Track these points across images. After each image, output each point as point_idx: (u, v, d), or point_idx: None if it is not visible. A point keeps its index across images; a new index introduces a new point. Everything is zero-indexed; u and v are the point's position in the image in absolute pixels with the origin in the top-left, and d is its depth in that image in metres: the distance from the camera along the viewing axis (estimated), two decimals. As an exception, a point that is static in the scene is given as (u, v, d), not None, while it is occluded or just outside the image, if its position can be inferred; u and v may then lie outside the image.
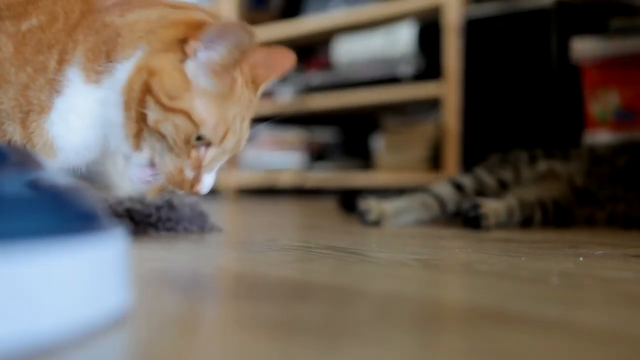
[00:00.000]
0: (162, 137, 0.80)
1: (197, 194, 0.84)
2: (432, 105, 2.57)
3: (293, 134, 3.03)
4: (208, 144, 0.82)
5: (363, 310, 0.49)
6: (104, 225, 0.48)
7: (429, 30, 2.52)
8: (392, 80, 2.56)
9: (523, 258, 0.79)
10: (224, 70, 0.80)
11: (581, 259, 0.78)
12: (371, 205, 1.27)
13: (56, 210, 0.45)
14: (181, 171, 0.82)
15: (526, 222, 1.27)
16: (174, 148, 0.80)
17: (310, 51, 3.17)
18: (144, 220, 1.03)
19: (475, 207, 1.20)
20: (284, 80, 2.99)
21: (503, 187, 1.35)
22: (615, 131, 1.90)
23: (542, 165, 1.37)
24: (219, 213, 1.79)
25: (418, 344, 0.40)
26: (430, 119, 2.60)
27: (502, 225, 1.23)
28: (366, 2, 2.74)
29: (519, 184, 1.35)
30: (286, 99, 2.89)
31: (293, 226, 1.38)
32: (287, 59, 0.92)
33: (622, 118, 1.91)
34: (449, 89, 2.38)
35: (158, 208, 1.05)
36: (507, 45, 2.15)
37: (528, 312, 0.49)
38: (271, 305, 0.51)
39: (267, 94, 3.01)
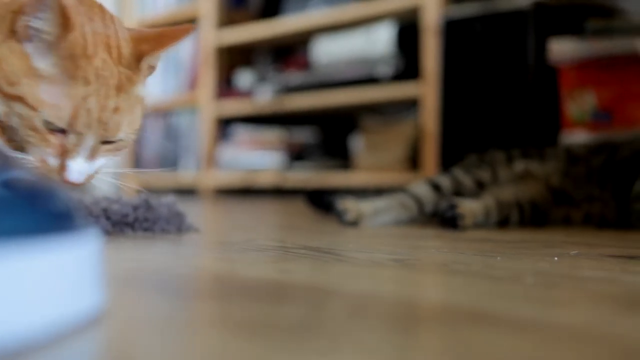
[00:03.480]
0: (15, 128, 0.77)
1: (70, 183, 0.80)
2: (411, 105, 2.58)
3: (272, 134, 3.03)
4: (64, 130, 0.78)
5: (338, 310, 0.49)
6: (78, 225, 0.47)
7: (408, 31, 2.53)
8: (371, 80, 2.56)
9: (499, 258, 0.79)
10: (58, 41, 0.77)
11: (556, 258, 0.78)
12: (349, 205, 1.27)
13: (29, 210, 0.44)
14: (44, 160, 0.79)
15: (503, 222, 1.27)
16: (29, 138, 0.78)
17: (290, 51, 3.17)
18: (120, 220, 1.03)
19: (452, 207, 1.21)
20: (263, 79, 2.99)
21: (480, 187, 1.36)
22: (591, 131, 1.92)
23: (519, 166, 1.38)
24: (197, 213, 1.79)
25: (393, 344, 0.40)
26: (409, 119, 2.61)
27: (479, 225, 1.23)
28: (345, 3, 2.74)
29: (496, 184, 1.36)
30: (265, 99, 2.89)
31: (271, 226, 1.38)
32: (181, 31, 0.87)
33: (599, 119, 1.93)
34: (427, 90, 2.38)
35: (135, 208, 1.05)
36: (485, 46, 2.16)
37: (502, 311, 0.49)
38: (247, 305, 0.51)
39: (246, 94, 3.01)
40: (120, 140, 0.83)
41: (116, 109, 0.81)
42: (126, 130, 0.83)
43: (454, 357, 0.37)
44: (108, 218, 1.02)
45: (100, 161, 0.84)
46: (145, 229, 1.05)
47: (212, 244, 1.01)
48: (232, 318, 0.47)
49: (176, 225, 1.09)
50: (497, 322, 0.45)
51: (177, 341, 0.40)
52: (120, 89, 0.81)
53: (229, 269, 0.72)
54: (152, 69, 0.88)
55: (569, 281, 0.63)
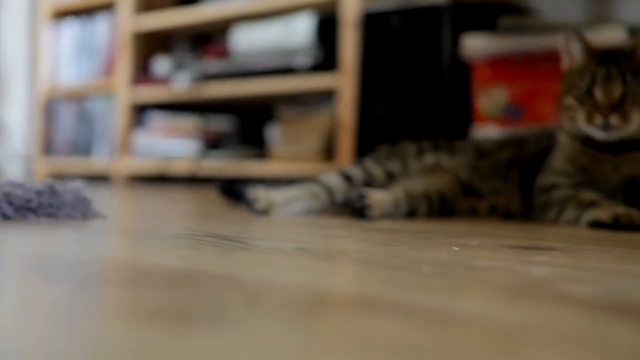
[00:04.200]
0: None
1: None
2: (328, 96, 2.59)
3: (188, 122, 3.00)
4: None
5: (235, 297, 0.50)
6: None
7: (327, 23, 2.54)
8: (289, 70, 2.56)
9: (400, 247, 0.81)
10: None
11: (456, 248, 0.80)
12: (259, 194, 1.27)
13: None
14: None
15: (412, 213, 1.30)
16: None
17: (208, 39, 3.14)
18: (23, 205, 1.01)
19: (361, 197, 1.22)
20: (180, 67, 2.96)
21: (390, 179, 1.38)
22: (502, 126, 1.96)
23: (430, 159, 1.40)
24: (107, 200, 1.76)
25: (288, 330, 0.41)
26: (325, 110, 2.62)
27: (388, 216, 1.25)
28: (265, -8, 2.73)
29: (406, 176, 1.38)
30: (182, 86, 2.86)
31: (181, 214, 1.37)
32: None
33: (509, 114, 1.98)
34: (344, 81, 2.40)
35: (39, 193, 1.02)
36: (402, 40, 2.19)
37: (396, 299, 0.50)
38: (147, 292, 0.51)
39: (163, 81, 2.97)
40: None
41: None
42: None
43: (347, 344, 0.38)
44: (10, 203, 0.99)
45: None
46: (49, 215, 1.03)
47: (118, 231, 1.00)
48: (130, 305, 0.47)
49: (82, 211, 1.07)
50: (390, 310, 0.46)
51: (73, 328, 0.40)
52: None
53: (131, 257, 0.72)
54: None
55: (464, 270, 0.65)
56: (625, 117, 1.18)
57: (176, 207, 1.60)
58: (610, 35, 1.79)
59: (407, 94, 2.16)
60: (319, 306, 0.48)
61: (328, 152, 2.55)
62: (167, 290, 0.52)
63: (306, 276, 0.61)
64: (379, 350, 0.36)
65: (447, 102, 2.10)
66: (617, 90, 1.19)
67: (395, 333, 0.40)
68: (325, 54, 2.52)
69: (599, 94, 1.20)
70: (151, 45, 3.21)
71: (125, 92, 3.13)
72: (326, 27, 2.55)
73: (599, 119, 1.19)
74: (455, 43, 2.07)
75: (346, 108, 2.39)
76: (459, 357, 0.35)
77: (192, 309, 0.45)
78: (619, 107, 1.19)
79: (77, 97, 3.39)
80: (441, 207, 1.34)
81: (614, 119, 1.18)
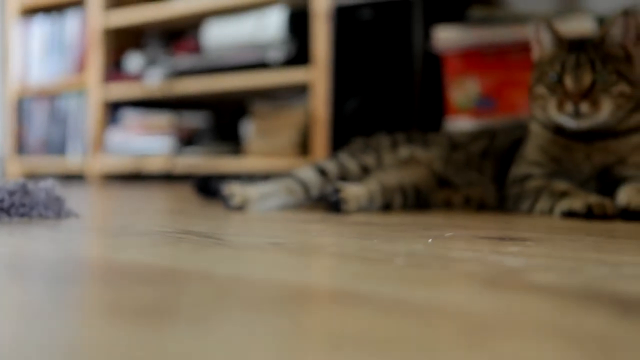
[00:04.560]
0: None
1: None
2: (302, 90, 2.59)
3: (162, 118, 2.99)
4: None
5: (210, 293, 0.50)
6: None
7: (299, 16, 2.54)
8: (262, 65, 2.56)
9: (375, 240, 0.81)
10: None
11: (430, 240, 0.81)
12: (235, 190, 1.27)
13: None
14: None
15: (387, 206, 1.30)
16: None
17: (180, 34, 3.13)
18: (-5, 205, 1.00)
19: (336, 191, 1.23)
20: (153, 63, 2.94)
21: (365, 172, 1.38)
22: (475, 118, 1.97)
23: (404, 151, 1.40)
24: (81, 199, 1.75)
25: (264, 325, 0.41)
26: (299, 105, 2.62)
27: (363, 209, 1.25)
28: (236, -13, 2.72)
29: (381, 169, 1.38)
30: (155, 83, 2.85)
31: (156, 212, 1.36)
32: None
33: (483, 105, 1.99)
34: (317, 75, 2.40)
35: (11, 193, 1.02)
36: (374, 33, 2.19)
37: (369, 291, 0.50)
38: (119, 290, 0.51)
39: (136, 77, 2.95)
40: None
41: None
42: None
43: (322, 337, 0.38)
44: (-18, 204, 0.99)
45: None
46: (22, 215, 1.02)
47: (92, 229, 0.99)
48: (106, 303, 0.47)
49: (55, 210, 1.06)
50: (365, 302, 0.47)
51: (51, 328, 0.40)
52: None
53: (106, 255, 0.71)
54: None
55: (438, 262, 0.65)
56: (595, 105, 1.19)
57: (151, 204, 1.59)
58: (580, 26, 1.81)
59: (380, 87, 2.17)
60: (294, 300, 0.48)
61: (303, 146, 2.55)
62: (143, 288, 0.51)
63: (281, 271, 0.61)
64: (353, 343, 0.36)
65: (420, 94, 2.11)
66: (586, 78, 1.19)
67: (370, 325, 0.40)
68: (298, 48, 2.52)
69: (569, 81, 1.20)
70: (123, 41, 3.19)
71: (98, 90, 3.11)
72: (298, 21, 2.54)
73: (569, 107, 1.20)
74: (426, 35, 2.07)
75: (320, 102, 2.39)
76: (433, 347, 0.36)
77: (168, 305, 0.45)
78: (589, 94, 1.19)
79: (49, 95, 3.36)
80: (416, 200, 1.34)
81: (584, 107, 1.19)
